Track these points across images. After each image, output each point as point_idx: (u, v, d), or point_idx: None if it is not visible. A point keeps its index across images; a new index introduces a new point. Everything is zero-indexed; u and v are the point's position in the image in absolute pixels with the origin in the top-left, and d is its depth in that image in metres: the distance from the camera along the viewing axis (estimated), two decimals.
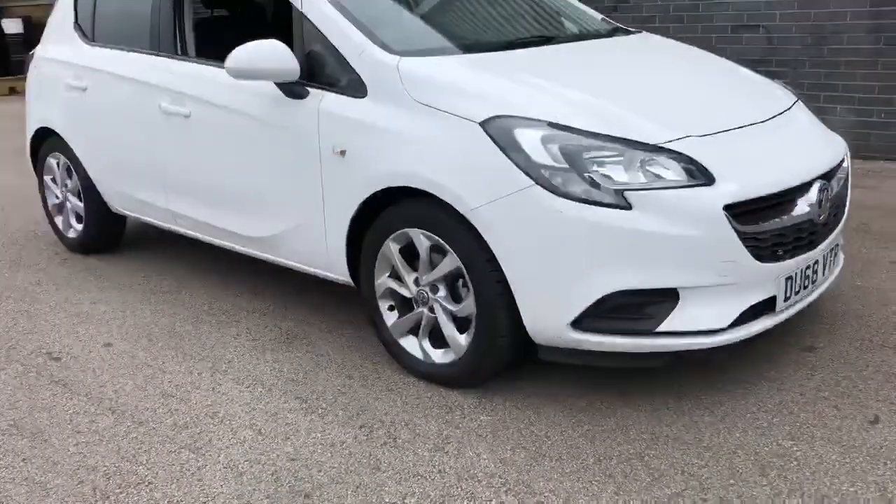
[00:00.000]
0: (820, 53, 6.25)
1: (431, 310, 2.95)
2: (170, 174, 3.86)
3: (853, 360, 3.03)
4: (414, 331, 3.06)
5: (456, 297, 2.90)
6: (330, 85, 3.10)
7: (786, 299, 2.77)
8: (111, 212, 4.51)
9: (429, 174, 2.75)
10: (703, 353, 2.64)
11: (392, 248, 2.98)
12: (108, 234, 4.72)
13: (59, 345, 3.53)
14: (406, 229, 2.91)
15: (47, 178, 4.77)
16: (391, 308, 3.12)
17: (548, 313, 2.63)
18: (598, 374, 2.95)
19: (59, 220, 4.80)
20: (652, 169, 2.58)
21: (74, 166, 4.48)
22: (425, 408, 2.85)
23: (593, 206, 2.51)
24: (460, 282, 2.89)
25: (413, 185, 2.79)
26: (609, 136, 2.61)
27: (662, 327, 2.58)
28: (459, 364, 2.89)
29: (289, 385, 3.07)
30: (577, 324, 2.60)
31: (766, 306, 2.72)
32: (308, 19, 3.16)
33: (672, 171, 2.58)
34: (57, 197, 4.76)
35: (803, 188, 2.78)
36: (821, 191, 2.82)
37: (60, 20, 4.60)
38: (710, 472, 2.40)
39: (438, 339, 2.99)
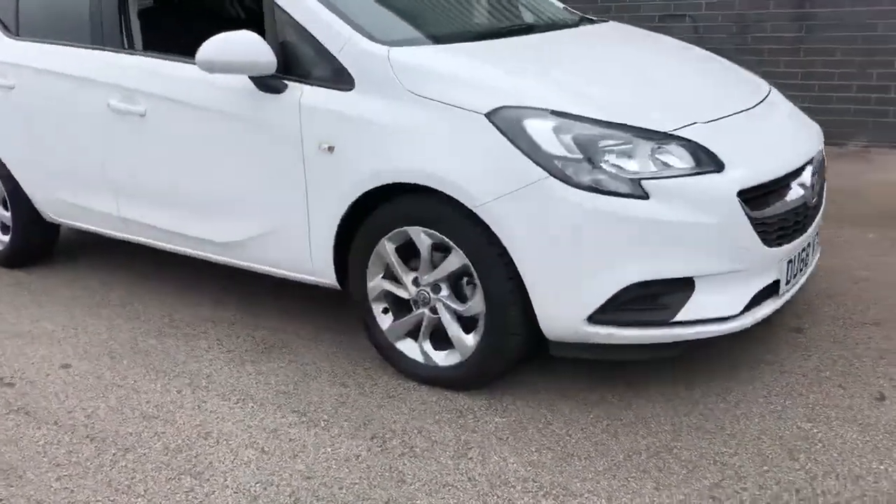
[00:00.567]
0: (744, 42, 6.44)
1: (433, 310, 2.83)
2: (121, 178, 3.58)
3: (841, 339, 3.09)
4: (412, 333, 2.93)
5: (460, 297, 2.79)
6: (310, 78, 2.93)
7: (787, 282, 2.80)
8: (44, 220, 4.17)
9: (433, 169, 2.62)
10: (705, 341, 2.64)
11: (388, 247, 2.84)
12: (38, 245, 4.36)
13: (8, 369, 3.22)
14: (404, 228, 2.77)
15: None
16: (385, 311, 2.98)
17: (564, 308, 2.55)
18: (601, 366, 2.90)
19: None
20: (661, 157, 2.54)
21: None
22: (434, 413, 2.73)
23: (610, 197, 2.45)
24: (464, 280, 2.78)
25: (415, 182, 2.66)
26: (620, 124, 2.55)
27: (679, 317, 2.56)
28: (466, 365, 2.79)
29: (281, 398, 2.89)
30: (594, 318, 2.54)
31: (771, 290, 2.73)
32: (281, 8, 2.96)
33: (681, 159, 2.54)
34: None
35: (798, 172, 2.80)
36: (812, 174, 2.86)
37: None
38: (741, 460, 2.38)
39: (439, 341, 2.87)
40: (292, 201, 3.02)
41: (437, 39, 3.03)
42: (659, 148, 2.55)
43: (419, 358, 2.91)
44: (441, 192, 2.64)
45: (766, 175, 2.64)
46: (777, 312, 3.11)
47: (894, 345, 3.03)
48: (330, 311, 3.56)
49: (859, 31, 6.03)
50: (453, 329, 2.78)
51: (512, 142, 2.52)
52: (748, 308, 2.65)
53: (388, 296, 2.95)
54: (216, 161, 3.20)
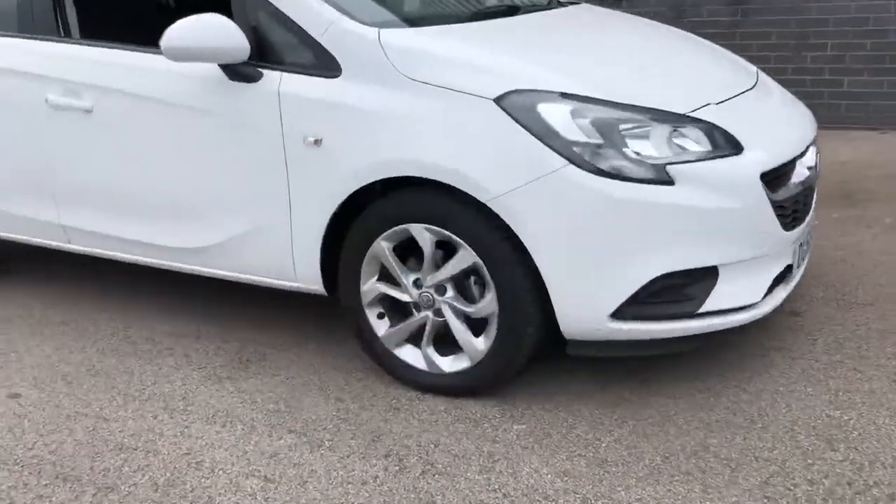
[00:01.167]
0: (681, 26, 6.41)
1: (438, 314, 2.62)
2: (63, 182, 3.22)
3: (841, 321, 3.06)
4: (411, 339, 2.72)
5: (467, 298, 2.59)
6: (288, 64, 2.67)
7: (797, 266, 2.73)
8: None
9: (440, 161, 2.42)
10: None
11: (384, 247, 2.62)
12: None
13: None
14: (404, 225, 2.55)
15: None
16: (381, 316, 2.75)
17: (586, 305, 2.40)
18: (607, 364, 2.76)
19: None
20: (677, 141, 2.41)
21: None
22: (447, 424, 2.53)
23: (635, 184, 2.31)
24: (472, 279, 2.59)
25: (420, 175, 2.45)
26: (638, 106, 2.41)
27: (704, 308, 2.44)
28: (476, 371, 2.60)
29: (272, 417, 2.63)
30: (618, 313, 2.39)
31: (783, 275, 2.65)
32: None
33: (698, 142, 2.42)
34: None
35: (803, 153, 2.73)
36: (815, 154, 2.80)
37: None
38: (781, 455, 2.28)
39: (441, 346, 2.67)
40: (272, 201, 2.75)
41: (424, 21, 2.81)
42: (675, 131, 2.41)
43: (421, 365, 2.70)
44: (447, 186, 2.43)
45: (783, 156, 2.55)
46: None
47: (892, 324, 3.00)
48: (304, 319, 3.30)
49: (793, 14, 6.13)
50: (462, 333, 2.59)
51: (526, 128, 2.34)
52: (766, 295, 2.56)
53: (385, 300, 2.73)
54: (180, 160, 2.90)
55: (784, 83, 5.91)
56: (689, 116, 2.45)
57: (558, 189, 2.32)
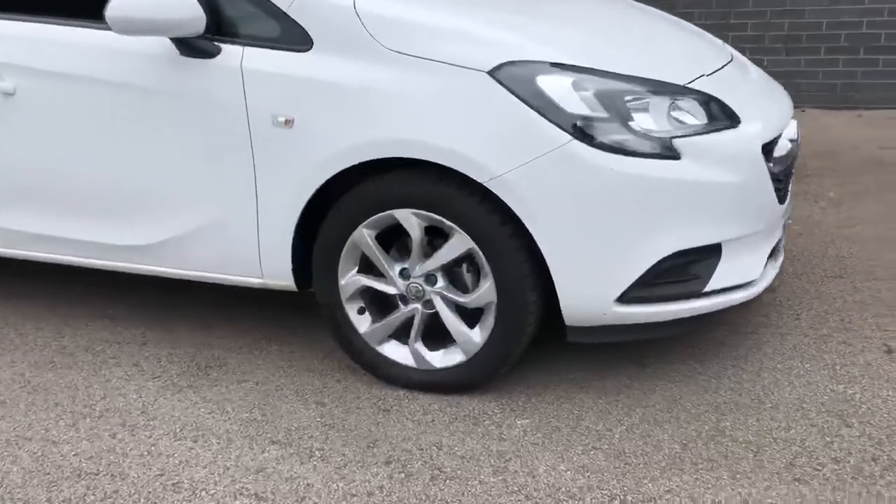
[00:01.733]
0: None
1: (427, 305, 2.43)
2: None
3: (817, 295, 3.05)
4: (395, 335, 2.52)
5: (459, 287, 2.42)
6: (249, 38, 2.41)
7: (783, 241, 2.68)
8: None
9: (432, 140, 2.22)
10: None
11: (366, 236, 2.41)
12: None
13: None
14: (390, 211, 2.35)
15: None
16: (361, 311, 2.54)
17: (593, 289, 2.26)
18: (598, 349, 2.64)
19: None
20: (674, 113, 2.30)
21: None
22: (445, 424, 2.35)
23: (642, 159, 2.18)
24: (464, 267, 2.41)
25: (411, 156, 2.25)
26: (639, 77, 2.28)
27: (709, 287, 2.34)
28: (470, 365, 2.43)
29: (250, 428, 2.38)
30: (624, 297, 2.27)
31: (775, 250, 2.60)
32: None
33: (694, 115, 2.32)
34: None
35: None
36: (796, 127, 2.76)
37: None
38: (799, 434, 2.22)
39: (429, 341, 2.49)
40: (235, 189, 2.49)
41: None
42: (673, 103, 2.30)
43: (408, 361, 2.50)
44: (438, 167, 2.25)
45: (776, 128, 2.49)
46: None
47: (868, 296, 3.01)
48: (258, 318, 3.05)
49: None
50: (455, 325, 2.41)
51: (525, 102, 2.18)
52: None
53: (365, 293, 2.52)
54: (125, 147, 2.59)
55: None
56: (688, 88, 2.34)
57: (563, 166, 2.16)
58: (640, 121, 2.20)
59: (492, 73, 2.20)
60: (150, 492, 2.11)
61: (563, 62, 2.24)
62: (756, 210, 2.37)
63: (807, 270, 3.26)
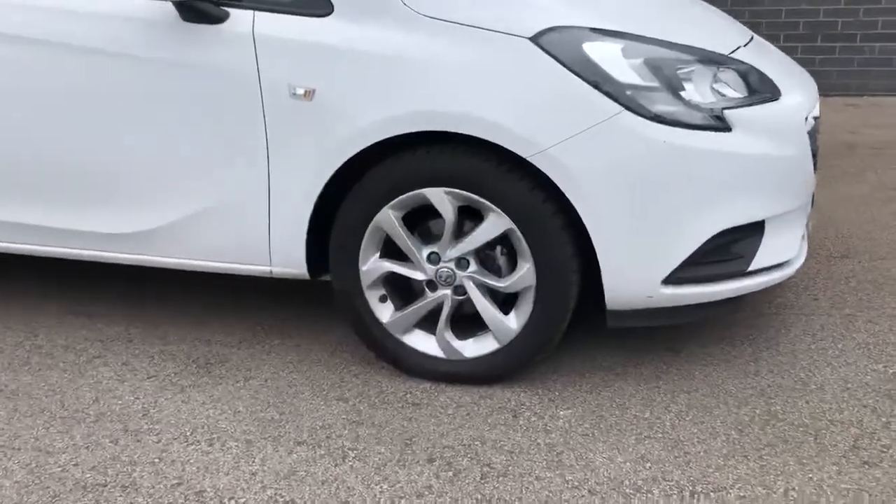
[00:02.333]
0: None
1: (458, 291, 2.27)
2: None
3: (828, 275, 3.01)
4: (420, 324, 2.35)
5: (493, 271, 2.26)
6: (261, 2, 2.20)
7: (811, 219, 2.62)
8: None
9: (473, 112, 2.07)
10: None
11: (392, 217, 2.23)
12: None
13: None
14: (420, 190, 2.18)
15: None
16: (383, 299, 2.36)
17: (641, 270, 2.14)
18: (623, 335, 2.53)
19: None
20: (715, 85, 2.20)
21: None
22: (483, 417, 2.20)
23: (696, 131, 2.07)
24: (498, 249, 2.26)
25: (448, 129, 2.09)
26: (688, 46, 2.17)
27: (753, 266, 2.25)
28: (504, 353, 2.28)
29: (269, 428, 2.18)
30: (671, 277, 2.16)
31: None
32: None
33: (734, 87, 2.22)
34: None
35: None
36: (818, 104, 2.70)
37: None
38: (854, 415, 2.15)
39: (456, 330, 2.33)
40: (244, 169, 2.29)
41: None
42: (717, 74, 2.20)
43: (436, 352, 2.34)
44: (475, 141, 2.09)
45: (812, 102, 2.41)
46: None
47: (879, 275, 2.99)
48: (252, 309, 2.84)
49: None
50: (490, 311, 2.25)
51: (571, 70, 2.04)
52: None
53: (388, 280, 2.34)
54: (118, 124, 2.35)
55: None
56: (732, 58, 2.25)
57: (613, 139, 2.03)
58: (693, 90, 2.09)
59: (534, 39, 2.06)
60: (170, 503, 1.89)
61: (609, 28, 2.11)
62: (798, 185, 2.30)
63: (812, 251, 3.21)
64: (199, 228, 2.40)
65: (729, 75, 2.22)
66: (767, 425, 2.11)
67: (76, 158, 2.42)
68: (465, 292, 2.27)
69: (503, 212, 2.13)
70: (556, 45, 2.06)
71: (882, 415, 2.14)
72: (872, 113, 5.64)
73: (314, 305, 2.84)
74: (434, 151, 2.15)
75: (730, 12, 5.46)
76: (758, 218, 2.21)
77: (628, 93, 2.04)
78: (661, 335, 2.56)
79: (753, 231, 2.23)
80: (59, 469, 2.03)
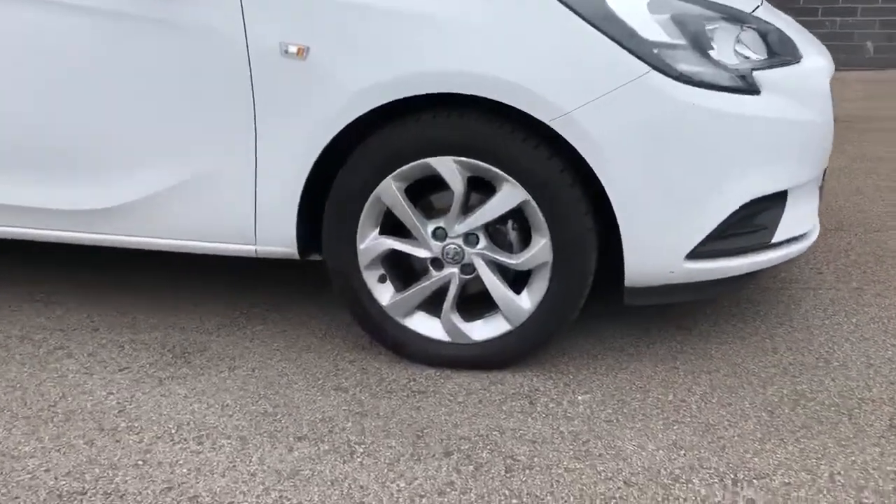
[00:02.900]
0: None
1: (466, 269, 2.10)
2: None
3: (829, 248, 2.94)
4: (423, 306, 2.18)
5: (503, 247, 2.10)
6: None
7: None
8: None
9: (487, 71, 1.88)
10: None
11: (395, 189, 2.04)
12: None
13: None
14: (426, 159, 2.00)
15: None
16: (382, 279, 2.17)
17: (665, 244, 2.00)
18: (631, 313, 2.41)
19: None
20: (736, 46, 2.07)
21: None
22: (496, 405, 2.04)
23: (725, 93, 1.93)
24: (509, 224, 2.10)
25: (460, 92, 1.90)
26: (714, 2, 2.02)
27: (776, 237, 2.13)
28: (515, 335, 2.12)
29: (264, 423, 1.98)
30: (695, 251, 2.02)
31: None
32: None
33: (754, 48, 2.09)
34: None
35: None
36: None
37: None
38: (884, 393, 2.05)
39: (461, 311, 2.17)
40: (227, 136, 2.07)
41: None
42: (740, 34, 2.06)
43: (440, 335, 2.16)
44: (489, 105, 1.91)
45: (831, 66, 2.30)
46: None
47: (877, 248, 2.93)
48: (228, 292, 2.63)
49: None
50: (500, 290, 2.09)
51: (595, 26, 1.88)
52: None
53: (387, 259, 2.15)
54: (82, 86, 2.10)
55: None
56: (756, 17, 2.11)
57: (640, 101, 1.88)
58: (721, 49, 1.95)
59: None
60: None
61: None
62: (821, 153, 2.19)
63: None
64: (176, 204, 2.17)
65: (748, 35, 2.09)
66: (798, 406, 2.00)
67: (31, 124, 2.16)
68: (472, 271, 2.10)
69: (518, 182, 1.96)
70: None
71: None
72: (836, 87, 5.62)
73: (295, 287, 2.64)
74: (442, 116, 1.97)
75: None
76: (782, 187, 2.09)
77: (655, 51, 1.89)
78: (669, 312, 2.44)
79: (777, 201, 2.11)
80: (29, 476, 1.79)
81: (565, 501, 1.68)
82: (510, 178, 1.97)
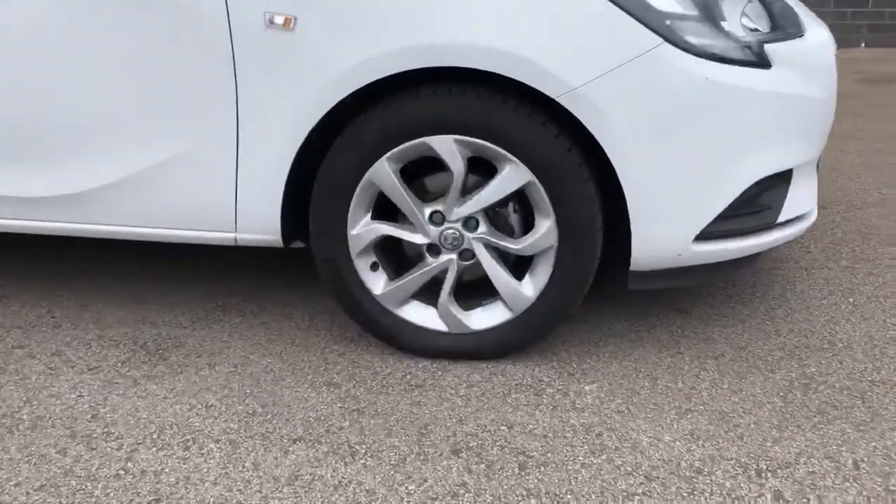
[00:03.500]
0: None
1: (465, 255, 1.98)
2: None
3: (811, 227, 2.89)
4: (418, 295, 2.06)
5: (503, 231, 1.99)
6: None
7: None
8: None
9: (492, 43, 1.76)
10: None
11: (389, 171, 1.91)
12: None
13: None
14: (423, 139, 1.87)
15: None
16: (374, 267, 2.04)
17: (674, 225, 1.91)
18: (626, 298, 2.33)
19: None
20: (742, 20, 1.99)
21: None
22: (500, 398, 1.93)
23: (738, 67, 1.85)
24: (510, 207, 1.99)
25: (463, 65, 1.77)
26: None
27: (781, 217, 2.07)
28: (516, 324, 2.02)
29: (253, 424, 1.84)
30: (703, 232, 1.94)
31: None
32: None
33: (757, 21, 2.02)
34: None
35: None
36: None
37: None
38: (892, 374, 2.01)
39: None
40: (206, 115, 1.91)
41: None
42: (745, 6, 1.98)
43: (437, 325, 2.05)
44: (493, 80, 1.80)
45: (833, 41, 2.23)
46: None
47: (861, 225, 2.92)
48: (200, 282, 2.47)
49: None
50: (502, 277, 1.98)
51: None
52: None
53: (379, 246, 2.02)
54: (50, 63, 1.91)
55: None
56: None
57: (652, 75, 1.78)
58: (733, 21, 1.86)
59: None
60: None
61: None
62: (825, 130, 2.12)
63: None
64: (148, 189, 2.00)
65: (752, 7, 2.01)
66: (809, 390, 1.94)
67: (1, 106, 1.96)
68: (471, 257, 1.98)
69: (522, 162, 1.85)
70: None
71: None
72: None
73: (273, 275, 2.49)
74: (442, 93, 1.84)
75: None
76: (788, 165, 2.02)
77: (667, 22, 1.79)
78: (665, 296, 2.37)
79: (782, 180, 2.04)
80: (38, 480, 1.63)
81: (587, 500, 1.59)
82: (514, 158, 1.85)
